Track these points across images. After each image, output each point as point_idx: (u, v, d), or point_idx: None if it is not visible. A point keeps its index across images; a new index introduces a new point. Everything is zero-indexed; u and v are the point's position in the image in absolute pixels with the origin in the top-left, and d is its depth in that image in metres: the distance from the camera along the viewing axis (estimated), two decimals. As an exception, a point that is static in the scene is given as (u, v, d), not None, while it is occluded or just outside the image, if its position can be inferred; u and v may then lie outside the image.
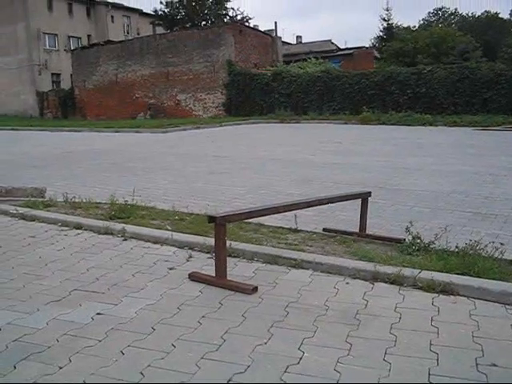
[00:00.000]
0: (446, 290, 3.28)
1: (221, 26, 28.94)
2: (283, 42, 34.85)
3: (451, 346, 2.58)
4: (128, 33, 42.36)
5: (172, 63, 28.25)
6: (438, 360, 2.44)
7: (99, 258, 4.05)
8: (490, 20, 53.50)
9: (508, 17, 57.21)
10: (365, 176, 8.23)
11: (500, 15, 55.14)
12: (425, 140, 14.12)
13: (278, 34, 32.35)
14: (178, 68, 28.13)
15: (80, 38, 39.14)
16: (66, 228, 4.98)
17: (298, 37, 48.25)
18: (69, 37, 38.20)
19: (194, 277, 3.54)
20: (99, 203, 5.91)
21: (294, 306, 3.08)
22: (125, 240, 4.57)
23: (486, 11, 56.71)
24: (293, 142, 14.68)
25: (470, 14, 59.59)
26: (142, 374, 2.31)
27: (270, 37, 30.93)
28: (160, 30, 37.70)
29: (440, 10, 62.02)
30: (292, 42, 44.61)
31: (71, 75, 34.01)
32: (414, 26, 48.97)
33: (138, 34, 40.74)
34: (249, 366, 2.38)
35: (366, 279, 3.52)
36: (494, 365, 2.39)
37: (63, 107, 32.76)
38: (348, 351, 2.52)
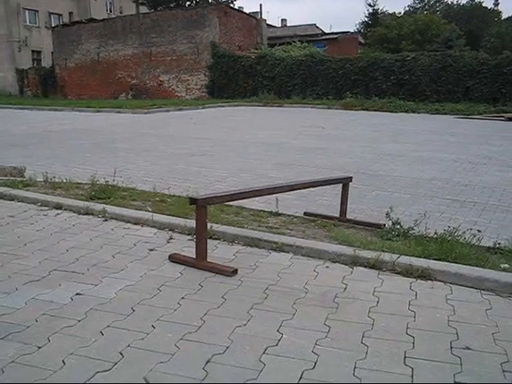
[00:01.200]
0: (424, 275, 3.33)
1: (205, 6, 28.66)
2: (268, 24, 34.62)
3: (427, 330, 2.62)
4: (111, 11, 41.71)
5: (155, 43, 27.92)
6: (413, 343, 2.48)
7: (79, 239, 4.02)
8: (474, 9, 53.68)
9: (492, 6, 57.50)
10: (346, 161, 8.27)
11: (484, 4, 55.36)
12: (407, 127, 14.20)
13: (263, 17, 32.21)
14: (161, 48, 27.81)
15: (61, 14, 38.43)
16: (46, 208, 4.93)
17: (283, 20, 48.08)
18: (50, 13, 37.47)
19: (175, 258, 3.54)
20: (80, 183, 5.86)
21: (273, 289, 3.10)
22: (105, 221, 4.54)
23: (470, 0, 56.88)
24: (275, 125, 14.66)
25: (454, 2, 59.69)
26: (121, 354, 2.32)
27: (254, 19, 30.70)
28: (144, 9, 37.18)
29: (425, -4, 62.05)
30: (277, 25, 44.38)
31: (52, 53, 33.42)
32: (400, 13, 48.93)
33: (121, 12, 40.14)
34: (228, 347, 2.40)
35: (346, 263, 3.55)
36: (468, 348, 2.44)
37: (43, 85, 32.22)
38: (326, 334, 2.56)
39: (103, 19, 31.91)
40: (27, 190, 5.49)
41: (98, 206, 4.77)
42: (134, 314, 2.73)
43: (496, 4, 59.04)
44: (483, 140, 11.76)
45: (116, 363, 2.24)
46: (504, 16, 54.11)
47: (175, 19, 27.24)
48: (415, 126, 14.74)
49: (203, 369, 2.21)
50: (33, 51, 36.41)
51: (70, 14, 38.92)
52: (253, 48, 28.21)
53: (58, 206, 4.92)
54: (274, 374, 2.19)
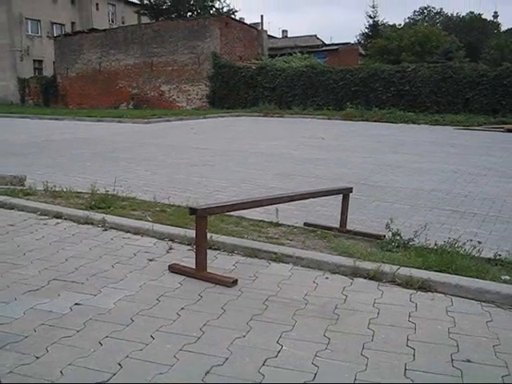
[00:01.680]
0: (424, 286, 3.32)
1: (207, 17, 28.81)
2: (269, 35, 34.79)
3: (428, 342, 2.61)
4: (113, 21, 41.91)
5: (156, 53, 28.04)
6: (414, 355, 2.47)
7: (79, 248, 4.02)
8: (474, 21, 53.98)
9: (491, 18, 57.83)
10: (346, 172, 8.27)
11: (483, 16, 55.71)
12: (407, 138, 14.21)
13: (264, 28, 32.29)
14: (162, 59, 27.93)
15: (64, 24, 38.62)
16: (46, 217, 4.93)
17: (284, 31, 48.26)
18: (52, 23, 37.66)
19: (174, 268, 3.54)
20: (80, 193, 5.86)
21: (273, 300, 3.09)
22: (105, 230, 4.54)
23: (470, 12, 57.23)
24: (276, 136, 14.68)
25: (454, 14, 60.06)
26: (120, 365, 2.30)
27: (255, 30, 30.84)
28: (145, 19, 37.42)
29: (426, 8, 62.57)
30: (278, 36, 44.59)
31: (54, 62, 33.54)
32: (400, 24, 49.26)
33: (123, 22, 40.35)
34: (227, 359, 2.38)
35: (346, 274, 3.54)
36: (469, 361, 2.43)
37: (45, 95, 32.31)
38: (326, 345, 2.54)
39: (105, 29, 32.08)
40: (27, 199, 5.49)
41: (97, 216, 4.77)
42: (133, 325, 2.72)
43: (495, 16, 59.43)
44: (483, 151, 11.77)
45: (114, 374, 2.23)
46: (503, 28, 54.45)
47: (177, 30, 27.38)
48: (415, 136, 14.76)
49: (202, 380, 2.20)
50: (34, 60, 36.57)
51: (73, 23, 39.13)
52: (254, 59, 28.32)
53: (58, 216, 4.92)
54: (273, 385, 2.18)
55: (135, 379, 2.19)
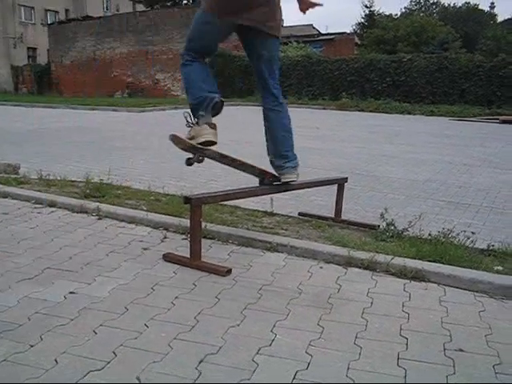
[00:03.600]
0: (418, 276, 3.34)
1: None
2: (264, 24, 34.58)
3: (421, 331, 2.63)
4: (107, 9, 41.65)
5: (151, 42, 27.92)
6: (407, 344, 2.49)
7: (73, 237, 4.01)
8: (470, 11, 53.91)
9: (488, 9, 57.78)
10: (341, 162, 8.28)
11: (480, 7, 55.66)
12: (402, 128, 14.24)
13: (260, 17, 32.10)
14: (157, 47, 27.82)
15: (58, 12, 38.40)
16: (40, 205, 4.91)
17: (280, 20, 48.01)
18: (46, 10, 37.43)
19: (169, 258, 3.54)
20: (74, 181, 5.85)
21: (267, 289, 3.10)
22: (99, 219, 4.53)
23: (466, 2, 57.16)
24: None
25: (451, 5, 59.96)
26: (114, 353, 2.31)
27: (251, 19, 30.68)
28: (140, 7, 37.17)
29: (422, -2, 62.28)
30: (273, 25, 44.37)
31: (48, 50, 33.34)
32: (396, 14, 49.24)
33: (118, 10, 40.11)
34: (221, 347, 2.39)
35: (340, 264, 3.55)
36: (461, 350, 2.45)
37: (39, 83, 32.17)
38: (320, 334, 2.55)
39: (99, 17, 31.91)
40: (21, 188, 5.47)
41: (92, 205, 4.76)
42: (127, 313, 2.72)
43: (492, 7, 59.43)
44: (478, 142, 11.80)
45: (109, 362, 2.23)
46: (499, 19, 54.39)
47: (172, 18, 27.26)
48: (410, 127, 14.78)
49: (196, 368, 2.21)
50: (28, 48, 36.37)
51: (67, 11, 38.90)
52: (249, 48, 28.19)
53: (52, 204, 4.90)
54: (267, 374, 2.19)
55: (129, 368, 2.20)
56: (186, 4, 35.98)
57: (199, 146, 3.44)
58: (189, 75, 3.57)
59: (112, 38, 29.14)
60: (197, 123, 3.49)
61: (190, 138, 3.47)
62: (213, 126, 3.46)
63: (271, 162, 4.05)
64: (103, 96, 27.36)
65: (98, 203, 4.79)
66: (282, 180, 3.92)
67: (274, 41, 3.62)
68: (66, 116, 17.07)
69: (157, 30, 27.49)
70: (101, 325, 2.57)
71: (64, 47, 30.66)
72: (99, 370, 2.17)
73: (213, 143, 3.48)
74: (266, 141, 4.05)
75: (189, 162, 3.72)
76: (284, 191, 4.40)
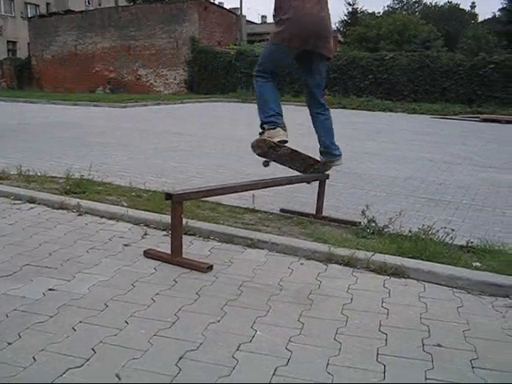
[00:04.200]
0: (398, 272, 3.36)
1: (185, 1, 28.44)
2: (248, 21, 34.66)
3: (400, 327, 2.65)
4: (89, 3, 41.24)
5: (134, 37, 27.72)
6: (386, 340, 2.51)
7: (53, 233, 3.97)
8: (452, 11, 54.39)
9: (469, 9, 58.39)
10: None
11: (461, 7, 56.21)
12: (384, 125, 14.33)
13: (243, 13, 32.12)
14: (139, 42, 27.63)
15: (38, 5, 37.89)
16: (19, 202, 4.86)
17: (263, 16, 48.15)
18: (26, 3, 36.91)
19: (149, 254, 3.52)
20: (54, 177, 5.79)
21: (248, 285, 3.10)
22: (80, 215, 4.50)
23: (448, 1, 57.65)
24: (254, 121, 14.63)
25: (433, 4, 60.43)
26: (93, 350, 2.29)
27: (234, 15, 30.67)
28: (122, 1, 36.84)
29: (404, -3, 62.64)
30: (257, 22, 44.39)
31: (28, 44, 32.92)
32: (379, 12, 49.51)
33: (100, 4, 39.74)
34: (201, 344, 2.39)
35: (321, 260, 3.57)
36: (439, 345, 2.48)
37: (19, 77, 31.75)
38: (300, 330, 2.56)
39: (81, 11, 31.59)
40: (0, 184, 5.40)
41: (72, 201, 4.72)
42: (107, 310, 2.70)
43: (473, 7, 60.00)
44: (459, 140, 11.92)
45: (88, 359, 2.22)
46: (480, 19, 54.97)
47: (154, 13, 27.08)
48: (392, 125, 14.88)
49: (176, 365, 2.20)
50: (8, 41, 35.83)
51: (47, 4, 38.43)
52: (232, 44, 28.18)
53: (32, 200, 4.85)
54: (247, 370, 2.20)
55: (109, 364, 2.18)
56: (168, -1, 35.82)
57: (277, 143, 4.19)
58: (263, 95, 4.35)
59: (94, 33, 28.86)
60: (269, 128, 4.24)
61: (270, 137, 4.21)
62: (285, 129, 4.30)
63: (322, 152, 4.71)
64: (85, 91, 27.10)
65: (78, 199, 4.75)
66: (333, 164, 4.71)
67: (327, 61, 4.41)
68: (46, 111, 16.88)
69: (139, 25, 27.28)
70: (80, 322, 2.56)
71: (45, 41, 30.28)
72: (78, 367, 2.16)
73: (286, 142, 4.24)
74: (317, 133, 4.72)
75: (266, 164, 4.57)
76: (265, 187, 4.40)
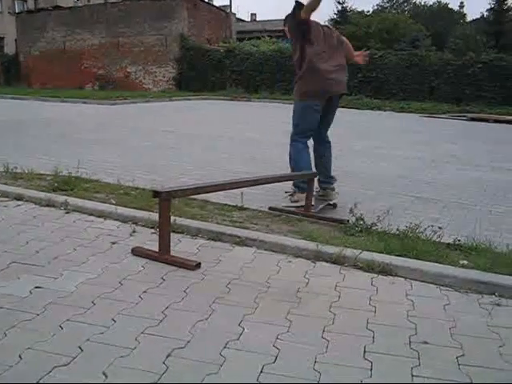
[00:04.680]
0: (385, 270, 3.38)
1: (174, -2, 28.34)
2: (237, 18, 34.61)
3: (387, 325, 2.66)
4: (78, -1, 40.98)
5: (123, 34, 27.56)
6: (373, 338, 2.52)
7: (40, 231, 3.95)
8: (441, 10, 54.64)
9: (457, 8, 58.71)
10: (312, 157, 8.31)
11: (450, 6, 56.49)
12: (373, 124, 14.38)
13: (233, 11, 32.06)
14: (129, 39, 27.48)
15: (26, 0, 37.56)
16: (6, 199, 4.82)
17: (253, 14, 48.08)
18: (13, -1, 36.59)
19: (137, 252, 3.51)
20: (42, 174, 5.75)
21: (236, 283, 3.10)
22: (67, 213, 4.47)
23: (437, 1, 57.90)
24: (243, 120, 14.66)
25: (422, 3, 60.66)
26: (80, 348, 2.28)
27: (224, 12, 30.61)
28: (111, -2, 36.61)
29: (394, -4, 62.83)
30: (246, 19, 44.36)
31: (16, 40, 32.61)
32: (368, 11, 49.52)
33: (89, 1, 39.51)
34: (189, 342, 2.39)
35: (309, 258, 3.58)
36: (426, 342, 2.49)
37: (6, 73, 31.45)
38: (288, 328, 2.57)
39: (70, 7, 31.37)
40: (-13, 181, 5.36)
41: (60, 198, 4.69)
42: (94, 308, 2.69)
43: (461, 6, 60.29)
44: (447, 139, 11.99)
45: (74, 358, 2.21)
46: (468, 19, 55.28)
47: (144, 10, 26.94)
48: (381, 123, 14.94)
49: (163, 363, 2.20)
50: (-5, 37, 35.53)
51: (36, 0, 38.05)
52: (222, 42, 28.13)
53: (19, 197, 4.82)
54: (234, 367, 2.20)
55: (95, 362, 2.18)
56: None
57: (297, 209, 4.71)
58: (298, 162, 4.81)
59: (83, 29, 28.60)
60: (299, 192, 4.84)
61: (295, 201, 4.88)
62: (329, 196, 5.11)
63: (322, 182, 5.14)
64: (73, 88, 26.90)
65: (66, 197, 4.73)
66: (330, 201, 5.13)
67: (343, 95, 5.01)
68: (34, 108, 16.76)
69: (128, 22, 27.11)
70: (67, 320, 2.54)
71: (33, 37, 29.99)
72: (65, 365, 2.15)
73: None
74: (316, 166, 5.05)
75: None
76: (253, 185, 4.41)
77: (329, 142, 5.13)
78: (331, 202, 5.08)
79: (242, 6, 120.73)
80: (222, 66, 25.14)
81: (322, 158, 5.11)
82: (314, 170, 4.90)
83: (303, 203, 4.67)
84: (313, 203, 4.77)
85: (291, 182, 5.15)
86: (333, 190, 5.18)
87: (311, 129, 4.82)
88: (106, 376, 2.09)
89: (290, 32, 4.81)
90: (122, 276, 3.13)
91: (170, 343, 2.36)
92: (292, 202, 4.91)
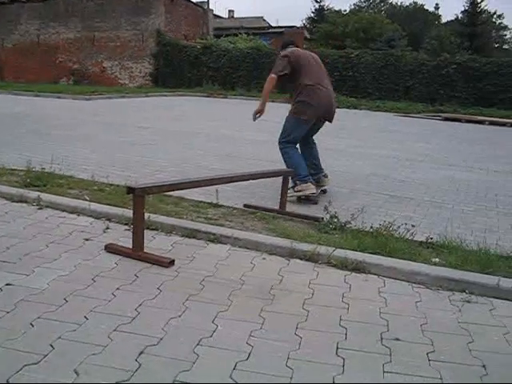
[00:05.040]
0: (359, 268, 3.41)
1: (151, -7, 28.07)
2: (215, 15, 34.46)
3: (359, 322, 2.69)
4: (53, -8, 40.31)
5: (99, 28, 27.21)
6: (346, 334, 2.54)
7: (11, 227, 3.89)
8: (417, 11, 55.25)
9: (433, 10, 59.49)
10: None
11: (426, 7, 57.19)
12: (348, 122, 14.45)
13: (210, 7, 31.91)
14: (104, 34, 27.15)
15: (-1, -7, 36.79)
16: (-24, 194, 4.73)
17: (230, 11, 47.85)
18: (-14, -9, 35.83)
19: (111, 248, 3.48)
20: (14, 170, 5.66)
21: (210, 280, 3.10)
22: (40, 209, 4.41)
23: (413, 2, 58.54)
24: (219, 116, 14.63)
25: (398, 3, 61.29)
26: (51, 346, 2.26)
27: (201, 9, 30.44)
28: (87, -8, 36.10)
29: (371, -4, 63.36)
30: (224, 16, 44.17)
31: (-12, 32, 31.95)
32: (345, 10, 49.84)
33: (64, -6, 38.83)
34: (162, 339, 2.38)
35: (283, 255, 3.59)
36: (398, 339, 2.53)
37: (-22, 66, 30.80)
38: (261, 325, 2.58)
39: (44, 0, 30.80)
40: (-44, 176, 5.25)
41: (32, 194, 4.62)
42: (66, 305, 2.67)
43: (437, 8, 61.13)
44: (421, 138, 12.13)
45: (46, 356, 2.18)
46: (443, 20, 56.03)
47: (120, 4, 26.63)
48: (357, 122, 15.04)
49: (136, 360, 2.19)
50: (-33, 30, 34.71)
51: (9, -8, 37.32)
52: (199, 38, 27.99)
53: (-10, 193, 4.73)
54: (207, 364, 2.20)
55: (67, 360, 2.16)
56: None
57: (307, 197, 5.29)
58: (292, 159, 5.35)
59: (57, 23, 28.16)
60: (301, 182, 5.26)
61: (299, 191, 5.27)
62: (323, 183, 5.73)
63: (313, 174, 5.58)
64: (47, 82, 26.47)
65: (38, 192, 4.66)
66: (322, 187, 5.77)
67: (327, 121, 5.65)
68: (7, 102, 16.45)
69: (104, 17, 26.76)
70: (38, 317, 2.51)
71: (6, 30, 29.41)
72: (35, 363, 2.12)
73: (314, 193, 5.31)
74: (306, 160, 5.57)
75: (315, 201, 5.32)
76: (228, 182, 4.40)
77: (315, 143, 5.88)
78: (324, 188, 5.73)
79: (219, 2, 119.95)
80: (198, 63, 25.02)
81: (311, 155, 5.72)
82: (305, 173, 5.39)
83: (307, 192, 5.21)
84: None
85: (266, 180, 5.16)
86: (326, 176, 5.79)
87: (301, 136, 5.47)
88: (78, 374, 2.07)
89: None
90: (95, 273, 3.11)
91: (143, 340, 2.35)
92: (296, 191, 5.28)
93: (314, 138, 5.84)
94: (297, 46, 5.71)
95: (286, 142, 5.41)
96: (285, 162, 5.42)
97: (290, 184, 5.21)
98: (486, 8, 40.66)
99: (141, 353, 2.25)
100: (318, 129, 5.75)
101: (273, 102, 20.03)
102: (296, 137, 5.42)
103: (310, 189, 5.23)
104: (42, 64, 28.39)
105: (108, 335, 2.38)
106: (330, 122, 5.63)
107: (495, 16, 54.43)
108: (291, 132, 5.39)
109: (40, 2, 29.29)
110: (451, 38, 37.94)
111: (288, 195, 5.00)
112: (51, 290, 2.84)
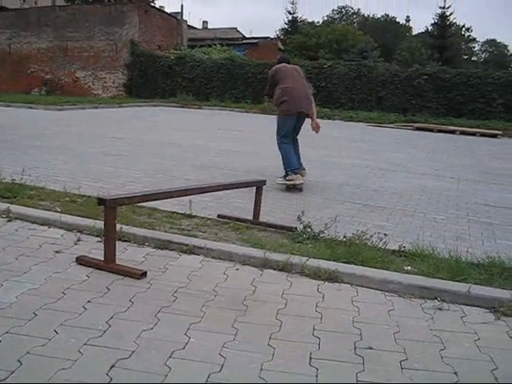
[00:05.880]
0: (332, 277, 3.42)
1: (125, 3, 27.95)
2: (189, 25, 34.47)
3: (333, 331, 2.70)
4: (24, 1, 39.91)
5: (71, 38, 26.98)
6: (319, 344, 2.54)
7: (-21, 240, 3.81)
8: (388, 23, 56.16)
9: (404, 22, 60.55)
10: (262, 165, 8.37)
11: (397, 20, 58.18)
12: (322, 133, 14.52)
13: (184, 18, 31.95)
14: (77, 44, 26.92)
15: (-31, 1, 36.29)
16: None
17: (204, 22, 48.07)
18: (-44, -1, 35.32)
19: (82, 260, 3.43)
20: (-17, 181, 5.54)
21: (182, 292, 3.07)
22: (9, 221, 4.33)
23: (385, 14, 59.48)
24: (193, 127, 14.60)
25: (370, 16, 62.20)
26: (19, 361, 2.21)
27: (175, 19, 30.42)
28: (60, 1, 35.84)
29: (343, 8, 64.35)
30: (198, 27, 44.24)
31: (-43, 42, 31.41)
32: (318, 22, 50.39)
33: (36, 3, 38.53)
34: (133, 352, 2.35)
35: (256, 266, 3.58)
36: (371, 348, 2.54)
37: None
38: (234, 336, 2.56)
39: (16, 9, 30.48)
40: None
41: (2, 206, 4.54)
42: (35, 319, 2.61)
43: (407, 20, 62.24)
44: (393, 148, 12.29)
45: (13, 372, 2.13)
46: (414, 32, 57.03)
47: (93, 14, 26.48)
48: (329, 132, 15.14)
49: (107, 374, 2.16)
50: None
51: (-21, 1, 36.84)
52: (173, 48, 27.95)
53: (-43, 205, 4.63)
54: (179, 377, 2.17)
55: (35, 376, 2.11)
56: (108, 1, 35.02)
57: (296, 186, 6.47)
58: (287, 155, 6.64)
59: (29, 32, 27.85)
60: (292, 173, 6.44)
61: (290, 180, 6.42)
62: (303, 175, 6.68)
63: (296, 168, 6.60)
64: (19, 92, 26.11)
65: (8, 204, 4.58)
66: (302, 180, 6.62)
67: (307, 116, 6.92)
68: (-23, 112, 16.19)
69: (77, 27, 26.55)
70: (6, 332, 2.46)
71: (-24, 39, 29.06)
72: (1, 380, 2.07)
73: (302, 183, 6.51)
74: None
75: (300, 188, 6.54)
76: (201, 193, 4.39)
77: (297, 141, 7.08)
78: (303, 180, 6.56)
79: (193, 13, 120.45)
80: (172, 73, 24.97)
81: (295, 151, 6.86)
82: (296, 165, 6.64)
83: (297, 182, 6.36)
84: None
85: (240, 190, 5.15)
86: (304, 169, 6.85)
87: (290, 131, 6.75)
88: (46, 389, 2.03)
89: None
90: (66, 286, 3.06)
91: (114, 354, 2.32)
92: (287, 180, 6.40)
93: (297, 137, 7.08)
94: (288, 63, 7.20)
95: (282, 137, 6.68)
96: (281, 154, 6.70)
97: (283, 173, 6.53)
98: (454, 21, 41.52)
99: (112, 366, 2.21)
100: (300, 126, 6.94)
101: (247, 112, 20.17)
102: (287, 130, 6.71)
103: (299, 179, 6.39)
104: (14, 74, 28.02)
105: (78, 349, 2.34)
106: (308, 117, 6.88)
107: (464, 29, 55.72)
108: (283, 126, 6.72)
109: (11, 11, 28.96)
110: (422, 49, 38.61)
111: (278, 182, 6.38)
112: (20, 304, 2.78)
